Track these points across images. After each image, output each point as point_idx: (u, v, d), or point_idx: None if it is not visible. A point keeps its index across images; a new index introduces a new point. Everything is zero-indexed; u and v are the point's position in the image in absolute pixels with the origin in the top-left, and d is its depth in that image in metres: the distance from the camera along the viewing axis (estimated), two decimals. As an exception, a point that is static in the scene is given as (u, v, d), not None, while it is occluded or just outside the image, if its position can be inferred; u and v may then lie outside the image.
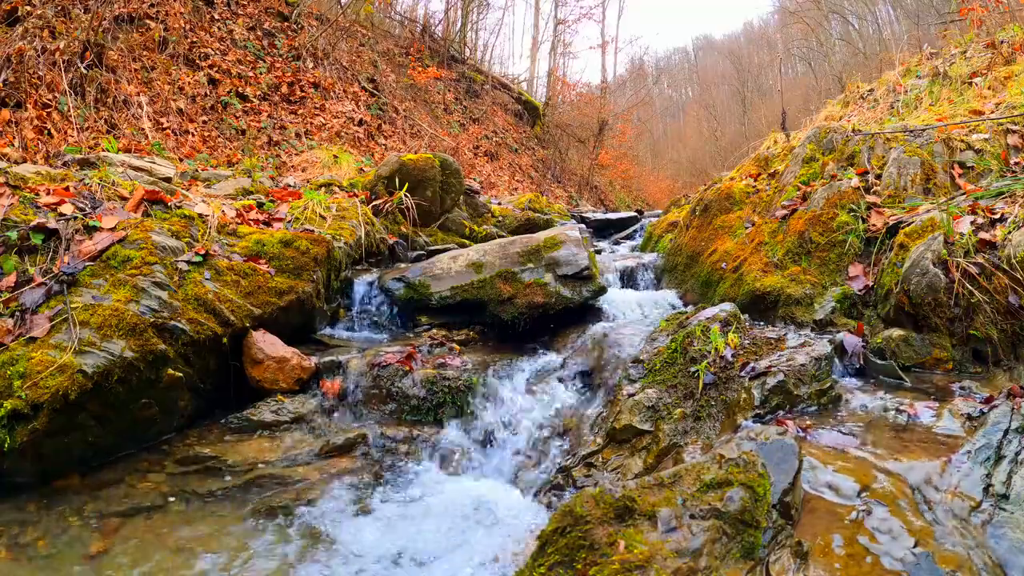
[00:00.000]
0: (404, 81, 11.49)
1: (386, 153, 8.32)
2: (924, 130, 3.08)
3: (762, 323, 2.60)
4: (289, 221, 3.10)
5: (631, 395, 2.06)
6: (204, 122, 6.52)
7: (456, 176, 4.52)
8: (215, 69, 7.18)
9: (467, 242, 4.20)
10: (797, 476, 1.31)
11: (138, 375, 1.96)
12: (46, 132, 4.75)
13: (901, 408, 1.77)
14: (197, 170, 4.51)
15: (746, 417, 1.83)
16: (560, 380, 2.51)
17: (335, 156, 6.21)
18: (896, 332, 2.23)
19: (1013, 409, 1.48)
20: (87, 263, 2.12)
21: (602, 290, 3.07)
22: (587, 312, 3.06)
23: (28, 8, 5.23)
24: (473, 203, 4.96)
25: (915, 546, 1.20)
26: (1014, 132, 2.91)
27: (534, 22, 19.09)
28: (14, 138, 4.46)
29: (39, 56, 4.91)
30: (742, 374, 1.95)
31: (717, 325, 2.18)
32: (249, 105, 7.32)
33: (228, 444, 2.09)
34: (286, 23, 9.15)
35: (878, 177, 2.88)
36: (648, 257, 4.16)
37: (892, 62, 7.77)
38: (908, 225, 2.43)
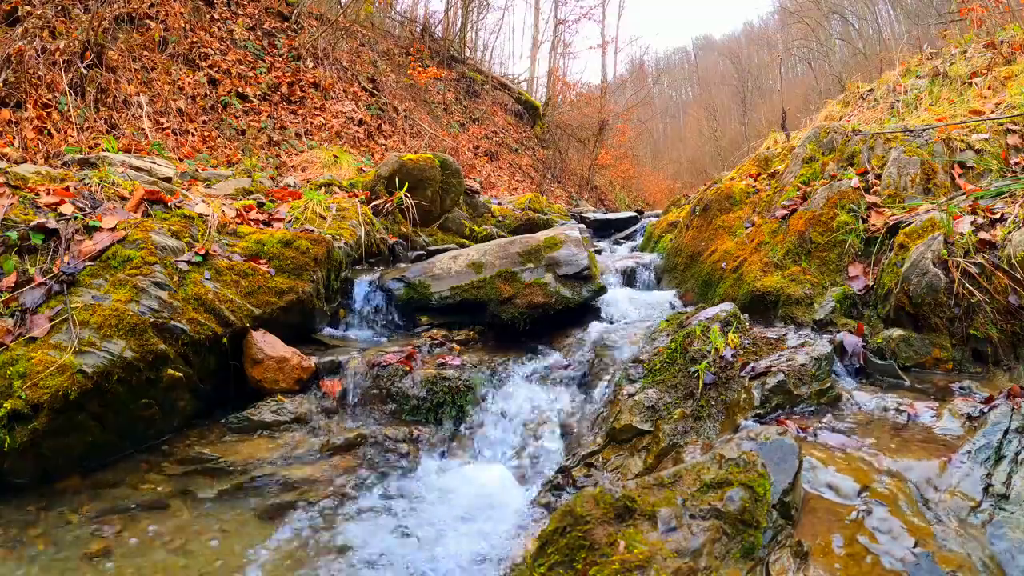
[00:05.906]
0: (404, 81, 11.49)
1: (386, 153, 8.32)
2: (924, 130, 3.08)
3: (762, 323, 2.60)
4: (289, 221, 3.10)
5: (631, 395, 2.06)
6: (204, 122, 6.52)
7: (456, 176, 4.52)
8: (215, 69, 7.18)
9: (467, 242, 4.20)
10: (797, 476, 1.31)
11: (138, 375, 1.96)
12: (46, 132, 4.75)
13: (901, 408, 1.77)
14: (197, 170, 4.51)
15: (746, 417, 1.83)
16: (560, 380, 2.51)
17: (335, 156, 6.21)
18: (896, 332, 2.23)
19: (1013, 409, 1.48)
20: (87, 263, 2.12)
21: (602, 290, 3.07)
22: (587, 312, 3.06)
23: (28, 8, 5.23)
24: (473, 203, 4.96)
25: (915, 546, 1.19)
26: (1014, 132, 2.91)
27: (534, 22, 19.13)
28: (14, 138, 4.46)
29: (39, 56, 4.91)
30: (742, 374, 1.95)
31: (717, 325, 2.18)
32: (249, 105, 7.32)
33: (228, 444, 2.09)
34: (286, 23, 9.15)
35: (878, 177, 2.88)
36: (648, 257, 4.16)
37: (892, 62, 7.77)
38: (908, 225, 2.43)
